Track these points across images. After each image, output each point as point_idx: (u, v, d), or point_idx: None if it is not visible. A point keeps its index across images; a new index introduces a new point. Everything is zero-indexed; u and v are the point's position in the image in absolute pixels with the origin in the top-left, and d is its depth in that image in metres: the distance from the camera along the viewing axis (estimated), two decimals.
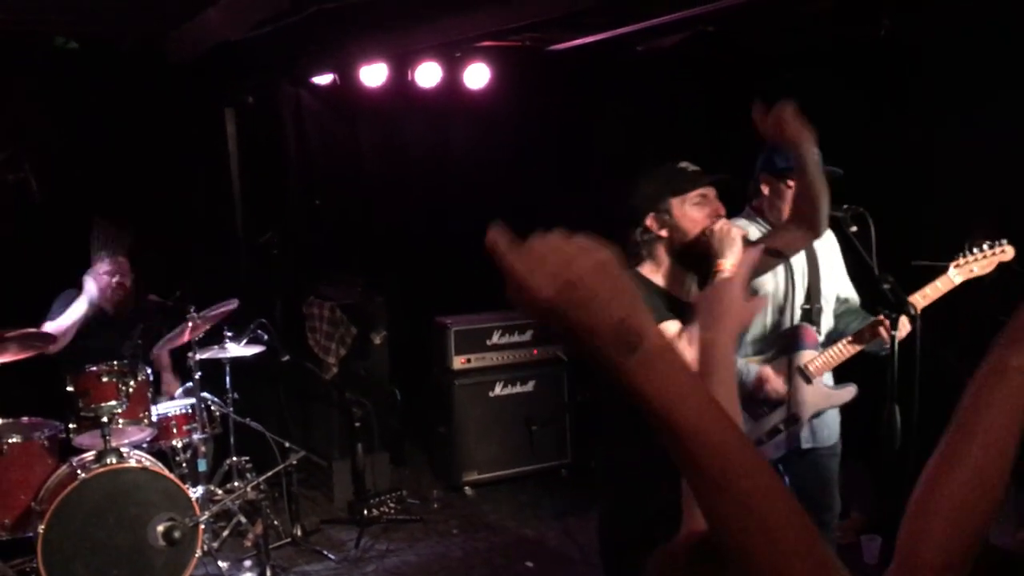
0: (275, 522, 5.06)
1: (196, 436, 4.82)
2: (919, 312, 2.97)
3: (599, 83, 6.58)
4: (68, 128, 5.52)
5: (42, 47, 5.29)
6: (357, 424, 5.44)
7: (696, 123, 6.46)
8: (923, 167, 5.36)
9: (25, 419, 4.57)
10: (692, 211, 2.62)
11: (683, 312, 2.60)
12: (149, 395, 4.57)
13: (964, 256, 3.18)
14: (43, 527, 4.04)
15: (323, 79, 6.19)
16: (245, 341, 5.03)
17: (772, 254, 2.74)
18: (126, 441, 4.51)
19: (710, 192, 2.65)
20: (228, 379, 5.06)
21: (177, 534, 4.29)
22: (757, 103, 2.65)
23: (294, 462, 5.09)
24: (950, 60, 5.12)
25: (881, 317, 3.10)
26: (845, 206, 3.10)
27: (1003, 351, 1.26)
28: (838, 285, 3.44)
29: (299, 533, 5.10)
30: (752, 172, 3.44)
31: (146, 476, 4.33)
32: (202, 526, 4.42)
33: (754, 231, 3.32)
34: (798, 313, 3.31)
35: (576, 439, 6.25)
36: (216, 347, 4.97)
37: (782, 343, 3.28)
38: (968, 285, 3.28)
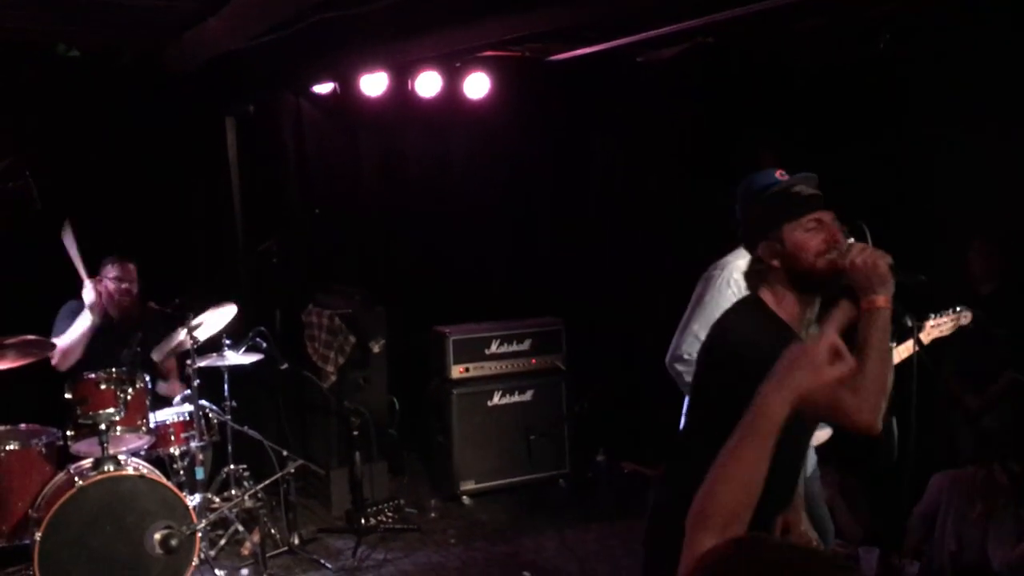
0: (272, 531, 5.05)
1: (194, 444, 4.81)
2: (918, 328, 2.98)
3: (599, 93, 6.60)
4: (69, 136, 5.52)
5: (44, 55, 5.30)
6: (355, 433, 5.44)
7: (696, 134, 6.48)
8: (919, 181, 5.38)
9: (23, 426, 4.58)
10: (806, 237, 2.42)
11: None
12: (147, 403, 4.57)
13: (934, 317, 3.38)
14: (40, 534, 4.04)
15: (323, 88, 6.20)
16: (244, 349, 5.04)
17: None
18: (124, 448, 4.50)
19: (826, 216, 2.44)
20: (226, 387, 5.06)
21: (174, 542, 4.28)
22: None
23: (292, 470, 5.09)
24: (947, 76, 5.14)
25: None
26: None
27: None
28: None
29: (296, 542, 5.09)
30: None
31: (143, 484, 4.33)
32: (199, 534, 4.42)
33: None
34: None
35: (574, 449, 6.24)
36: (215, 355, 4.98)
37: None
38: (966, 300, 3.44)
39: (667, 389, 3.48)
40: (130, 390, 4.45)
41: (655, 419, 4.85)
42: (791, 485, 2.54)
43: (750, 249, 2.51)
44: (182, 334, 4.76)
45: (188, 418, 4.84)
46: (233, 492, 5.01)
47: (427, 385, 6.14)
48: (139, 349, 4.89)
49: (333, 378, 5.79)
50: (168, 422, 4.81)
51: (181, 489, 4.54)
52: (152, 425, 4.61)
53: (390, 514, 5.49)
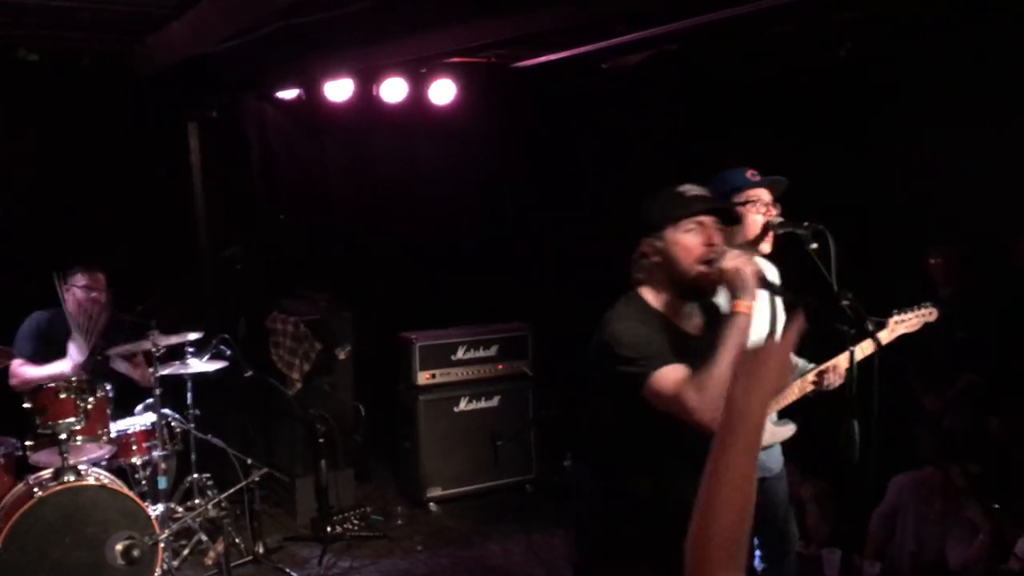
0: (237, 540, 5.00)
1: (156, 453, 4.75)
2: (877, 330, 3.02)
3: (564, 99, 6.64)
4: (30, 142, 5.45)
5: (4, 59, 5.22)
6: (321, 440, 5.41)
7: (661, 139, 6.53)
8: (884, 186, 5.46)
9: None
10: (685, 238, 2.55)
11: (681, 341, 2.57)
12: (108, 412, 4.50)
13: (899, 313, 3.37)
14: None
15: (288, 94, 6.18)
16: (207, 357, 4.99)
17: None
18: (84, 458, 4.44)
19: (706, 219, 2.57)
20: (190, 395, 5.01)
21: (136, 553, 4.23)
22: None
23: (256, 479, 5.04)
24: (910, 82, 5.23)
25: (827, 364, 3.24)
26: (806, 223, 3.14)
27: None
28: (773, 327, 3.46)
29: (261, 551, 5.04)
30: None
31: (105, 494, 4.27)
32: (162, 544, 4.37)
33: None
34: None
35: (541, 454, 6.25)
36: (178, 363, 4.92)
37: None
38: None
39: None
40: (91, 399, 4.38)
41: None
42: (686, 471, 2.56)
43: (638, 243, 2.64)
44: (146, 344, 4.71)
45: (150, 427, 4.78)
46: (197, 501, 4.96)
47: (393, 391, 6.11)
48: (99, 358, 4.82)
49: (298, 385, 5.75)
50: (130, 431, 4.74)
51: (143, 499, 4.49)
52: (113, 435, 4.54)
53: (356, 522, 5.46)
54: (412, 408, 5.93)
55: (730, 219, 2.67)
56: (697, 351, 2.52)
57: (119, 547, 4.22)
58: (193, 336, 4.89)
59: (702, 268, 2.55)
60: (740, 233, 3.28)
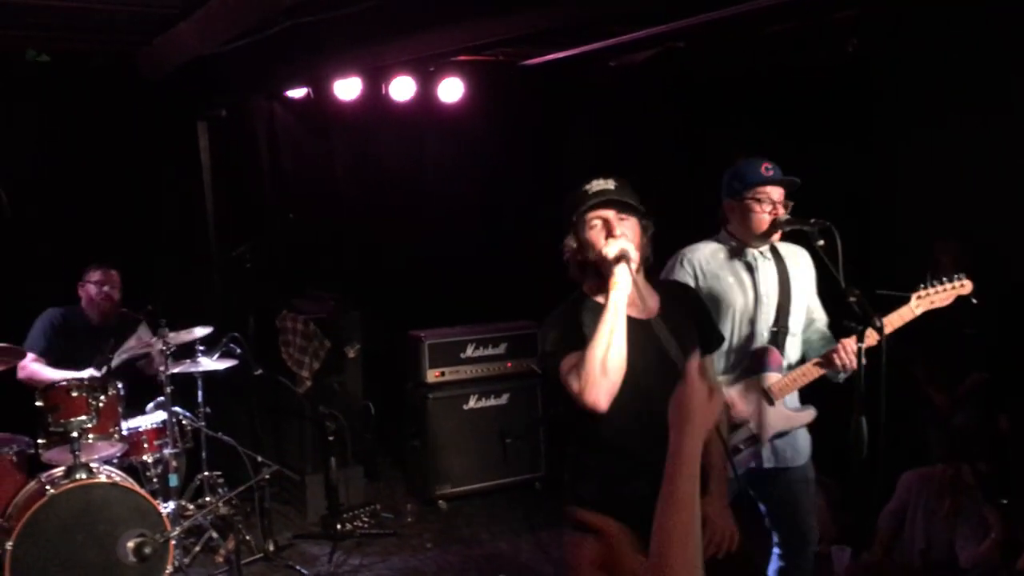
0: (247, 537, 5.02)
1: (167, 451, 4.78)
2: (883, 327, 3.01)
3: (572, 97, 6.64)
4: (39, 142, 5.48)
5: (14, 60, 5.26)
6: (330, 438, 5.43)
7: (668, 136, 6.52)
8: (888, 184, 5.45)
9: None
10: (589, 234, 2.66)
11: (633, 328, 2.58)
12: (120, 410, 4.53)
13: (925, 288, 3.27)
14: (11, 544, 4.00)
15: (297, 93, 6.19)
16: (217, 355, 5.01)
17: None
18: (96, 456, 4.46)
19: (605, 212, 2.65)
20: (200, 393, 5.04)
21: (147, 550, 4.25)
22: None
23: (267, 476, 5.06)
24: (914, 79, 5.21)
25: (838, 344, 3.18)
26: (812, 220, 3.15)
27: None
28: (808, 306, 3.43)
29: (271, 548, 5.06)
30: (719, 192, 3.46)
31: (116, 492, 4.30)
32: (173, 542, 4.39)
33: (723, 252, 3.35)
34: (765, 335, 3.32)
35: (550, 452, 6.25)
36: (188, 361, 4.95)
37: (747, 363, 3.31)
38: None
39: None
40: (103, 397, 4.41)
41: None
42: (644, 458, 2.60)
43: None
44: (157, 346, 4.73)
45: (161, 425, 4.81)
46: (207, 499, 4.98)
47: (403, 389, 6.13)
48: (111, 355, 4.85)
49: (308, 383, 5.78)
50: (141, 429, 4.77)
51: (155, 496, 4.51)
52: (125, 432, 4.57)
53: (366, 519, 5.48)
54: (421, 406, 5.94)
55: (641, 213, 2.71)
56: (650, 334, 2.59)
57: (130, 544, 4.25)
58: (202, 331, 4.90)
59: (600, 255, 2.62)
60: (749, 226, 3.30)
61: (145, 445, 4.77)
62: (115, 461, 4.62)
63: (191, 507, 4.93)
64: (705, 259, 3.34)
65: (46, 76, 5.37)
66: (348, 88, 5.92)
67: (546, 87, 6.50)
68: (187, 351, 4.98)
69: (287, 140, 6.41)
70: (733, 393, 3.26)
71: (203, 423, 5.00)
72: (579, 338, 2.57)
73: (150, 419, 4.86)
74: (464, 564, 5.12)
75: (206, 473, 5.03)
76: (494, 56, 6.12)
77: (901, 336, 3.27)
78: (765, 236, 3.29)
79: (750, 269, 3.33)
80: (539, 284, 6.67)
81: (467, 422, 6.03)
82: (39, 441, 4.37)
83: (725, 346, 3.25)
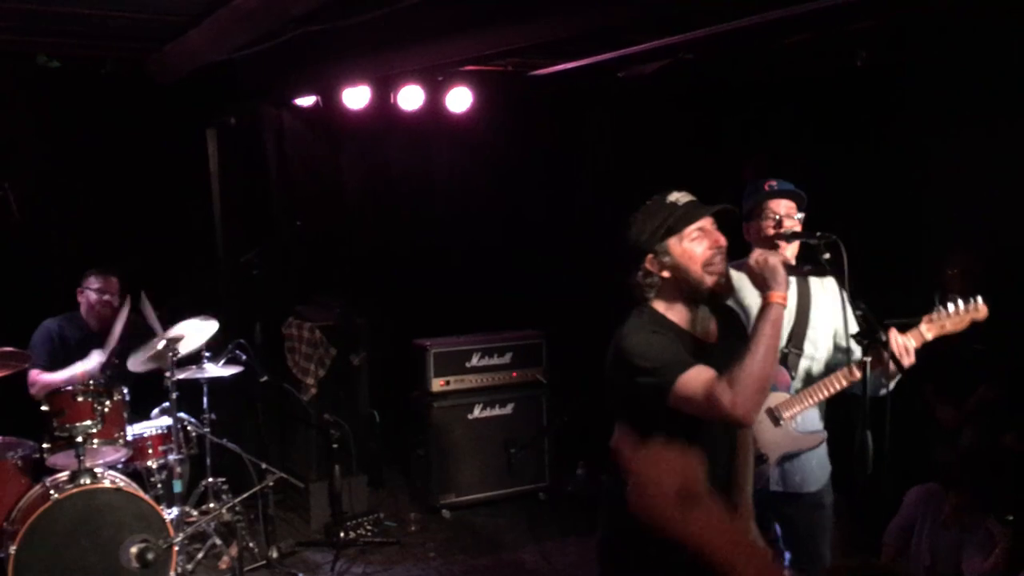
0: (251, 544, 5.02)
1: (172, 457, 4.78)
2: (889, 341, 2.98)
3: (581, 108, 6.64)
4: (49, 147, 5.51)
5: (25, 65, 5.28)
6: (335, 446, 5.43)
7: (677, 148, 6.52)
8: (899, 197, 5.43)
9: None
10: (691, 247, 2.52)
11: (698, 349, 2.55)
12: (125, 415, 4.53)
13: (937, 312, 3.17)
14: (15, 548, 4.00)
15: (306, 101, 6.21)
16: (223, 361, 5.02)
17: None
18: (100, 461, 4.47)
19: (706, 223, 2.54)
20: (206, 399, 5.04)
21: (151, 556, 4.25)
22: None
23: (271, 483, 5.07)
24: (926, 91, 5.21)
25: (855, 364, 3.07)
26: (818, 233, 3.13)
27: None
28: (836, 335, 3.34)
29: (275, 555, 5.06)
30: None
31: (120, 497, 4.30)
32: (176, 548, 4.39)
33: (749, 282, 3.34)
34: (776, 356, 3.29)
35: (554, 463, 6.24)
36: (194, 367, 4.95)
37: None
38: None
39: None
40: (107, 402, 4.41)
41: None
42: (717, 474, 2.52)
43: (637, 264, 2.58)
44: (160, 344, 4.72)
45: (166, 431, 4.81)
46: (211, 505, 4.98)
47: (407, 398, 6.13)
48: (116, 360, 4.86)
49: (313, 391, 5.78)
50: (146, 435, 4.78)
51: (158, 502, 4.51)
52: (130, 438, 4.58)
53: (369, 527, 5.48)
54: (426, 415, 5.94)
55: (730, 218, 2.63)
56: (715, 358, 2.50)
57: (133, 550, 4.24)
58: (201, 320, 4.86)
59: (714, 274, 2.53)
60: (762, 245, 3.29)
61: (150, 451, 4.77)
62: (119, 466, 4.63)
63: (195, 513, 4.93)
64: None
65: (57, 81, 5.40)
66: (357, 97, 5.94)
67: (554, 97, 6.51)
68: (193, 357, 4.98)
69: (295, 148, 6.43)
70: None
71: (208, 429, 5.00)
72: (679, 355, 2.47)
73: (155, 425, 4.87)
74: (467, 574, 5.11)
75: (210, 479, 5.02)
76: (503, 66, 6.12)
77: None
78: (774, 249, 3.28)
79: None
80: (545, 294, 6.72)
81: (472, 431, 6.02)
82: (44, 445, 4.38)
83: None
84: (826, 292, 3.35)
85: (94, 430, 4.35)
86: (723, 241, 2.54)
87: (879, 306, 2.95)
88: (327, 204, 6.56)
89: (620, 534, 2.66)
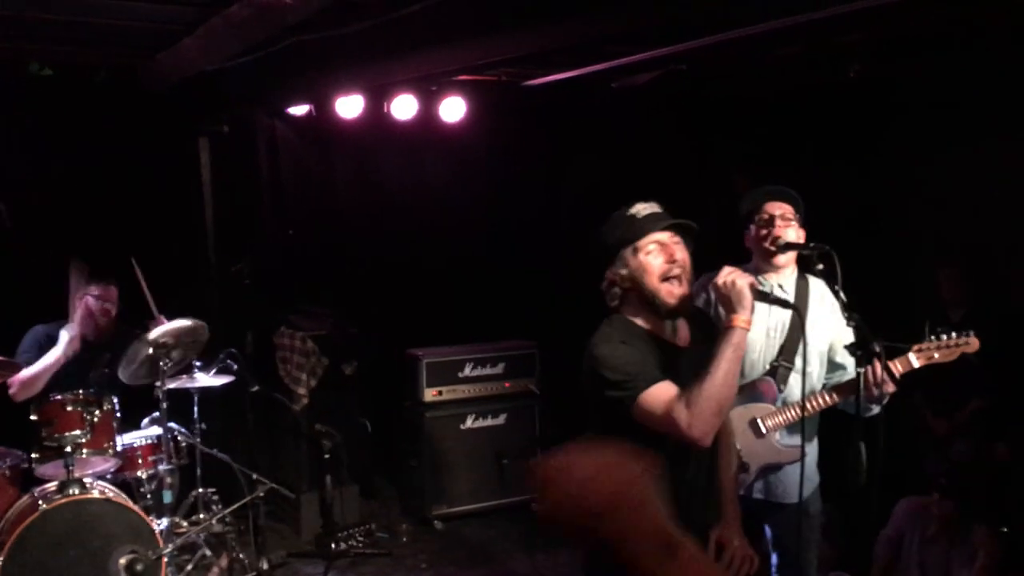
0: (241, 555, 4.98)
1: (162, 467, 4.75)
2: (883, 352, 2.98)
3: (574, 118, 6.65)
4: (41, 155, 5.48)
5: (16, 73, 5.26)
6: (326, 456, 5.40)
7: (671, 159, 6.53)
8: (894, 203, 5.46)
9: None
10: (646, 260, 2.55)
11: (670, 355, 2.56)
12: (115, 425, 4.51)
13: (928, 341, 3.17)
14: (2, 558, 3.97)
15: (299, 110, 6.20)
16: (214, 371, 5.00)
17: None
18: (90, 472, 4.44)
19: (664, 236, 2.56)
20: (196, 409, 5.01)
21: (140, 567, 4.21)
22: None
23: (261, 494, 5.04)
24: (917, 101, 5.23)
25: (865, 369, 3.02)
26: (812, 244, 3.15)
27: None
28: (832, 351, 3.35)
29: (265, 567, 5.03)
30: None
31: (109, 507, 4.27)
32: (165, 559, 4.36)
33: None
34: (766, 367, 3.30)
35: None
36: (184, 377, 4.93)
37: (745, 392, 3.28)
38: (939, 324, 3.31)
39: None
40: (97, 412, 4.39)
41: None
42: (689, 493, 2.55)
43: (602, 271, 2.62)
44: (147, 349, 4.68)
45: (156, 441, 4.78)
46: (201, 516, 4.95)
47: (400, 408, 6.11)
48: (107, 370, 4.83)
49: (305, 400, 5.75)
50: (136, 445, 4.75)
51: (148, 513, 4.48)
52: (119, 448, 4.55)
53: (361, 538, 5.45)
54: (418, 425, 5.92)
55: (690, 233, 2.64)
56: (688, 363, 2.53)
57: (123, 561, 4.21)
58: (187, 322, 4.83)
59: (669, 286, 2.54)
60: (759, 252, 3.31)
61: (139, 461, 4.74)
62: (109, 476, 4.60)
63: (184, 524, 4.89)
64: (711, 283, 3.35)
65: (49, 89, 5.38)
66: (350, 106, 5.93)
67: (548, 107, 6.52)
68: (183, 366, 4.95)
69: (288, 156, 6.42)
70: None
71: (198, 439, 4.97)
72: (646, 368, 2.49)
73: (145, 434, 4.84)
74: None
75: (200, 490, 5.00)
76: (496, 76, 6.13)
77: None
78: (769, 256, 3.30)
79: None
80: (537, 304, 6.71)
81: (464, 442, 6.00)
82: (33, 455, 4.36)
83: None
84: (824, 306, 3.35)
85: (83, 440, 4.33)
86: (679, 255, 2.56)
87: (871, 321, 2.96)
88: (319, 213, 6.55)
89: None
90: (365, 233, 6.66)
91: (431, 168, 6.82)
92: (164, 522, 4.66)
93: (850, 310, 2.92)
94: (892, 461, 2.90)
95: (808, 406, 3.22)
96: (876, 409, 3.09)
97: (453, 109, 6.25)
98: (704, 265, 3.57)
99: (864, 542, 4.42)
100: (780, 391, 3.30)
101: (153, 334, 4.67)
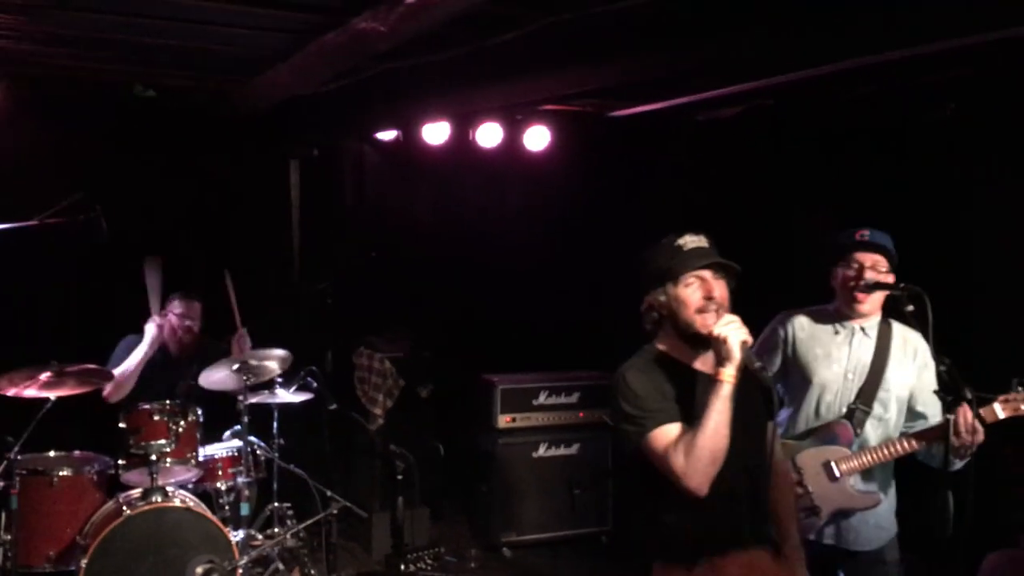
0: (312, 571, 5.03)
1: (241, 479, 4.84)
2: (975, 399, 2.89)
3: (658, 150, 6.62)
4: (140, 173, 5.69)
5: (122, 94, 5.50)
6: (399, 477, 5.42)
7: (754, 193, 6.45)
8: (985, 246, 5.27)
9: (76, 453, 4.67)
10: (685, 293, 2.59)
11: (700, 383, 2.57)
12: (198, 436, 4.62)
13: (1016, 392, 3.08)
14: (86, 561, 4.09)
15: (387, 135, 6.33)
16: (294, 388, 5.08)
17: None
18: (172, 480, 4.56)
19: (705, 273, 2.58)
20: (275, 424, 5.10)
21: None
22: None
23: (334, 511, 5.08)
24: (1012, 139, 5.07)
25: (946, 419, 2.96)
26: (902, 284, 3.07)
27: None
28: (913, 398, 3.27)
29: None
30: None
31: (189, 516, 4.37)
32: (240, 571, 4.43)
33: (822, 321, 3.32)
34: (843, 410, 3.24)
35: (618, 505, 6.15)
36: (266, 392, 5.03)
37: (820, 434, 3.23)
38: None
39: None
40: (182, 423, 4.51)
41: None
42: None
43: (641, 297, 2.69)
44: (234, 365, 4.81)
45: (236, 453, 4.88)
46: (276, 530, 5.02)
47: (473, 433, 6.12)
48: (194, 382, 4.96)
49: (380, 421, 5.82)
50: (217, 456, 4.85)
51: (225, 524, 4.56)
52: (201, 458, 4.66)
53: (430, 561, 5.45)
54: (491, 451, 5.92)
55: (731, 273, 2.64)
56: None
57: (199, 570, 4.29)
58: (279, 353, 4.96)
59: (703, 320, 2.56)
60: (843, 295, 3.25)
61: (220, 472, 4.84)
62: (190, 486, 4.71)
63: (260, 537, 4.97)
64: (800, 326, 3.33)
65: (150, 110, 5.60)
66: (436, 132, 6.03)
67: (632, 139, 6.51)
68: (265, 382, 5.06)
69: (374, 181, 6.54)
70: (799, 461, 3.18)
71: (276, 454, 5.05)
72: (668, 407, 2.54)
73: (226, 447, 4.94)
74: None
75: (276, 504, 5.07)
76: (581, 106, 6.16)
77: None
78: (853, 302, 3.23)
79: (845, 343, 3.26)
80: (614, 335, 6.65)
81: (536, 470, 5.98)
82: (119, 462, 4.49)
83: (804, 411, 3.19)
84: (906, 353, 3.26)
85: (168, 449, 4.44)
86: (717, 292, 2.58)
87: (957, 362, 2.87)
88: (401, 236, 6.65)
89: None
90: (445, 257, 6.73)
91: (512, 196, 6.87)
92: (240, 534, 4.74)
93: (940, 354, 2.84)
94: (980, 513, 2.80)
95: (886, 451, 3.14)
96: (959, 464, 2.99)
97: (537, 138, 6.30)
98: (786, 300, 3.53)
99: None
100: (856, 435, 3.22)
101: (242, 358, 4.78)
